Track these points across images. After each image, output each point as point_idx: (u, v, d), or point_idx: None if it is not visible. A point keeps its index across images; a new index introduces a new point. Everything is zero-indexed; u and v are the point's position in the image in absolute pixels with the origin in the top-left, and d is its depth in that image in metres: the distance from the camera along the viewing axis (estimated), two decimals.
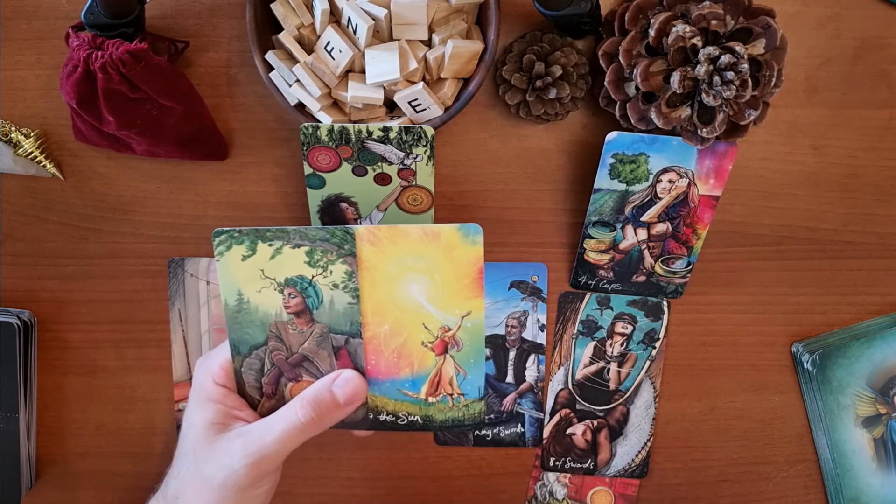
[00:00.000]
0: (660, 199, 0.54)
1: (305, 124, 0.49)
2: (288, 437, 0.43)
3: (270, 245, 0.44)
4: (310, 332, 0.46)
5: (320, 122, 0.50)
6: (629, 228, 0.55)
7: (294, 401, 0.45)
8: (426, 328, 0.45)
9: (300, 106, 0.51)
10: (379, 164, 0.51)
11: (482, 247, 0.43)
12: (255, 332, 0.46)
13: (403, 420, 0.47)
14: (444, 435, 0.59)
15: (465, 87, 0.50)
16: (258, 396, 0.47)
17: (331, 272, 0.45)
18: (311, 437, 0.44)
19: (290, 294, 0.45)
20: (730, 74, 0.46)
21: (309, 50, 0.49)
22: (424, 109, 0.50)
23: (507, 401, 0.59)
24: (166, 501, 0.45)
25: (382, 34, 0.49)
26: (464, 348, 0.45)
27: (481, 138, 0.55)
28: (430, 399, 0.47)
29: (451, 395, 0.46)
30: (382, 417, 0.47)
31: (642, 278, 0.57)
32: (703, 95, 0.47)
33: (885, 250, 0.58)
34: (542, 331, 0.58)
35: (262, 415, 0.46)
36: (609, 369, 0.58)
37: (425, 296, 0.44)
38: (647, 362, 0.58)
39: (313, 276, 0.45)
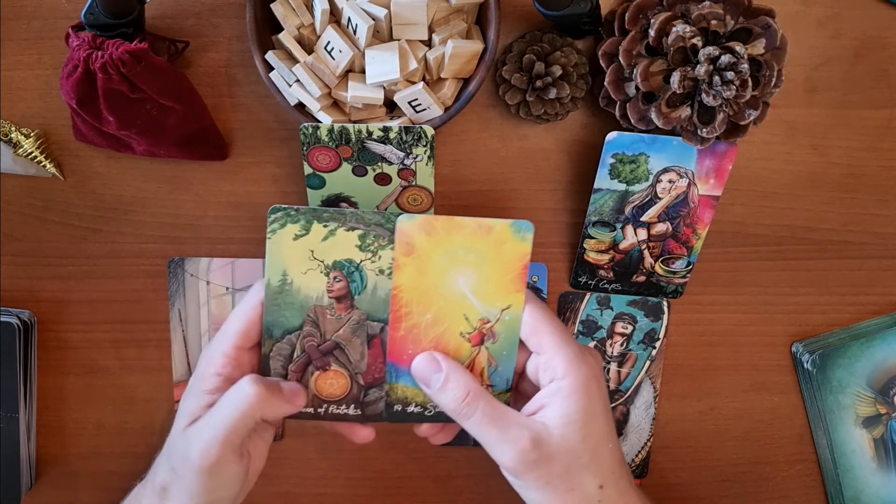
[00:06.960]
0: (660, 199, 0.54)
1: (305, 124, 0.49)
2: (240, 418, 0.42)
3: (325, 226, 0.44)
4: (347, 319, 0.46)
5: (320, 122, 0.50)
6: (629, 228, 0.55)
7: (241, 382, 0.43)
8: (466, 319, 0.45)
9: (300, 106, 0.51)
10: (379, 164, 0.51)
11: (531, 244, 0.44)
12: (292, 315, 0.45)
13: (430, 411, 0.47)
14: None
15: (465, 87, 0.50)
16: None
17: (379, 257, 0.45)
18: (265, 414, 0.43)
19: (335, 277, 0.45)
20: (730, 74, 0.46)
21: (309, 50, 0.49)
22: (424, 109, 0.50)
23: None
24: (153, 489, 0.45)
25: (382, 34, 0.49)
26: (499, 340, 0.45)
27: (481, 138, 0.55)
28: None
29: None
30: (410, 409, 0.47)
31: (642, 278, 0.57)
32: (703, 95, 0.47)
33: (885, 250, 0.58)
34: None
35: None
36: (609, 369, 0.58)
37: (470, 288, 0.45)
38: (647, 362, 0.58)
39: (362, 261, 0.45)
